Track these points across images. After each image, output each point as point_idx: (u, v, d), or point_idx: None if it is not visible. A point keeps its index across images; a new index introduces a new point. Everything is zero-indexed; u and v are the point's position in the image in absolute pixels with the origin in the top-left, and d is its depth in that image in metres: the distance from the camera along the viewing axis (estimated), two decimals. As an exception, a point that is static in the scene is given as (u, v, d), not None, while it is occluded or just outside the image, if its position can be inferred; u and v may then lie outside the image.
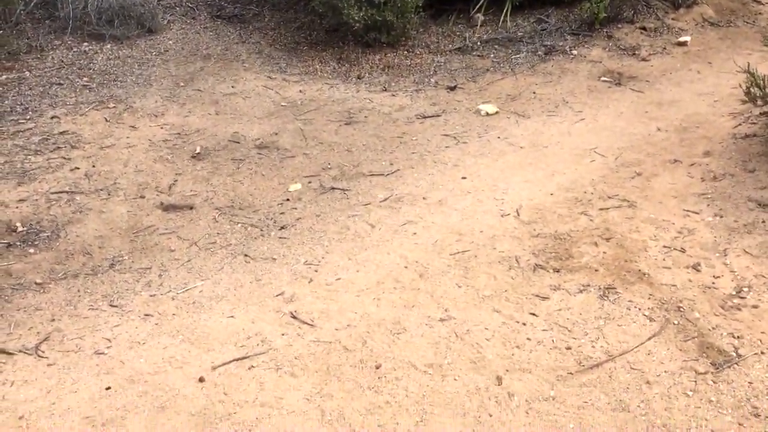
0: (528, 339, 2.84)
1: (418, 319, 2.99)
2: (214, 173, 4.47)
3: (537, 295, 3.13)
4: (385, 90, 5.78)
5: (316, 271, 3.41)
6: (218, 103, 5.52)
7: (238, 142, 4.88)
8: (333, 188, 4.26)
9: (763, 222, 3.56)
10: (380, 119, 5.24)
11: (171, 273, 3.45)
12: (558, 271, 3.30)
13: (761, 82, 4.24)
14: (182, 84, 5.84)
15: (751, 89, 4.30)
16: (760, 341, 2.75)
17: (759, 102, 4.34)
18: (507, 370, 2.67)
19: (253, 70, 6.20)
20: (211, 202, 4.12)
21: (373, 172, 4.45)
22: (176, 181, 4.38)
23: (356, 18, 5.99)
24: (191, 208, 4.06)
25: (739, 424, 2.34)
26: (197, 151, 4.72)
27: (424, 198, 4.09)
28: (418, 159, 4.61)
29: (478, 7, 6.75)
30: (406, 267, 3.41)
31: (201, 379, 2.65)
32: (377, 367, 2.70)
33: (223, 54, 6.48)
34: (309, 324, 2.99)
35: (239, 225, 3.88)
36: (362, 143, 4.86)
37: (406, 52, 6.37)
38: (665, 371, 2.61)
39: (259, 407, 2.52)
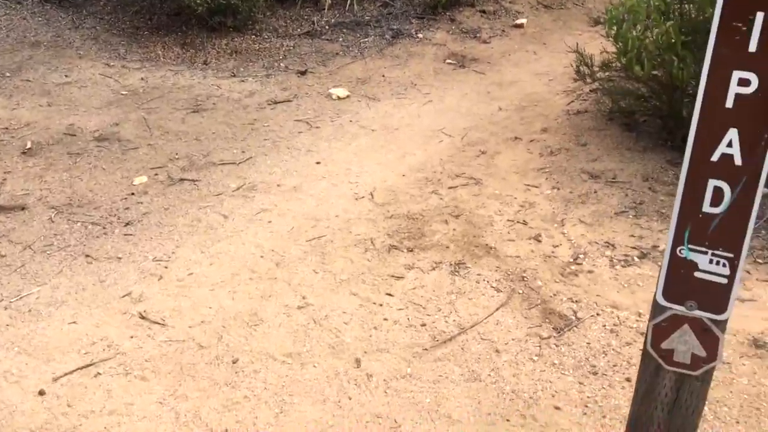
0: (385, 319, 2.89)
1: (276, 308, 2.96)
2: (48, 169, 4.16)
3: (392, 276, 3.18)
4: (234, 75, 5.63)
5: (166, 267, 3.27)
6: (50, 94, 5.13)
7: (75, 135, 4.56)
8: (182, 179, 4.10)
9: (595, 192, 3.83)
10: (230, 106, 5.10)
11: (2, 280, 3.17)
12: (412, 251, 3.38)
13: (589, 60, 4.55)
14: (8, 74, 5.37)
15: (581, 68, 4.60)
16: (596, 303, 2.96)
17: (588, 80, 4.65)
18: (365, 352, 2.70)
19: (89, 57, 5.81)
20: (45, 201, 3.83)
21: (225, 160, 4.32)
22: (5, 180, 4.03)
23: (198, 1, 5.77)
24: (23, 208, 3.75)
25: (580, 383, 2.52)
26: (28, 147, 4.37)
27: (278, 185, 4.03)
28: (271, 146, 4.53)
29: (325, -10, 6.71)
30: (262, 256, 3.35)
31: (41, 392, 2.47)
32: (234, 362, 2.64)
33: (54, 41, 6.02)
34: (160, 324, 2.86)
35: (79, 224, 3.63)
36: (212, 131, 4.71)
37: (253, 36, 6.23)
38: (512, 339, 2.75)
39: (107, 416, 2.38)
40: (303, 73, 5.64)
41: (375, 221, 3.64)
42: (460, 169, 4.18)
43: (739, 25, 1.04)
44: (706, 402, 2.35)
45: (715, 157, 1.13)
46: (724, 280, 1.19)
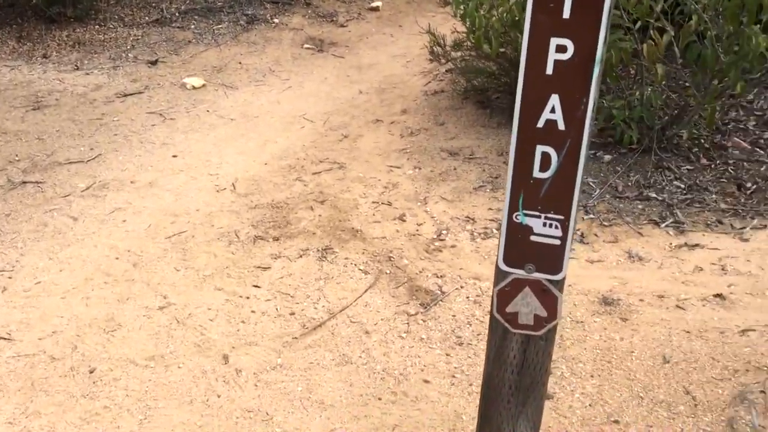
0: (252, 312, 2.82)
1: (135, 311, 2.81)
2: None
3: (259, 267, 3.11)
4: (78, 69, 5.28)
5: (10, 278, 3.02)
6: None
7: None
8: (24, 182, 3.80)
9: (455, 169, 3.93)
10: (74, 101, 4.78)
11: None
12: (278, 240, 3.32)
13: (441, 41, 4.65)
14: None
15: (434, 48, 4.69)
16: (459, 276, 3.04)
17: (442, 60, 4.75)
18: (233, 347, 2.63)
19: None
20: None
21: (71, 159, 4.05)
22: None
23: (32, -10, 5.35)
24: None
25: (447, 355, 2.58)
26: None
27: (132, 182, 3.83)
28: (123, 141, 4.30)
29: (172, -24, 6.43)
30: (117, 258, 3.17)
31: None
32: (91, 372, 2.48)
33: None
34: (5, 339, 2.64)
35: None
36: (55, 129, 4.39)
37: (98, 26, 5.87)
38: (381, 319, 2.77)
39: (-53, 446, 2.17)
40: (154, 63, 5.39)
41: (238, 212, 3.54)
42: (324, 154, 4.15)
43: (552, -7, 1.07)
44: (564, 360, 2.48)
45: (540, 124, 1.16)
46: (558, 242, 1.24)
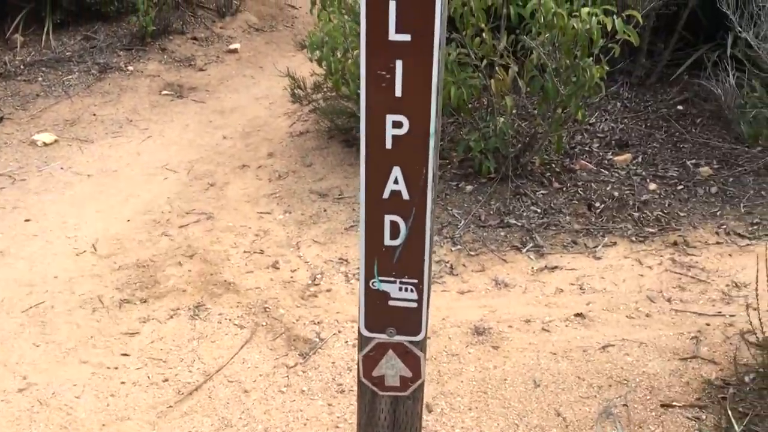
0: (122, 383, 2.69)
1: (-10, 398, 2.60)
2: None
3: (126, 333, 2.98)
4: None
5: None
6: None
7: None
8: None
9: (325, 211, 3.95)
10: None
11: None
12: (145, 301, 3.19)
13: (301, 83, 4.69)
14: None
15: (296, 91, 4.73)
16: (337, 321, 3.05)
17: (304, 102, 4.79)
18: (103, 425, 2.49)
19: None
20: None
21: None
22: None
23: None
24: None
25: (329, 405, 2.57)
26: None
27: (-20, 253, 3.57)
28: (-33, 208, 3.99)
29: (14, 26, 6.09)
30: (-33, 340, 2.93)
31: None
32: (-58, 474, 2.27)
33: None
34: None
35: None
36: None
37: (-70, 83, 5.45)
38: (260, 375, 2.73)
39: None
40: (-1, 120, 5.06)
41: (101, 276, 3.38)
42: (190, 205, 4.05)
43: (383, 73, 1.12)
44: (443, 396, 2.55)
45: (386, 195, 1.21)
46: (414, 304, 1.28)
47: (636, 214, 3.76)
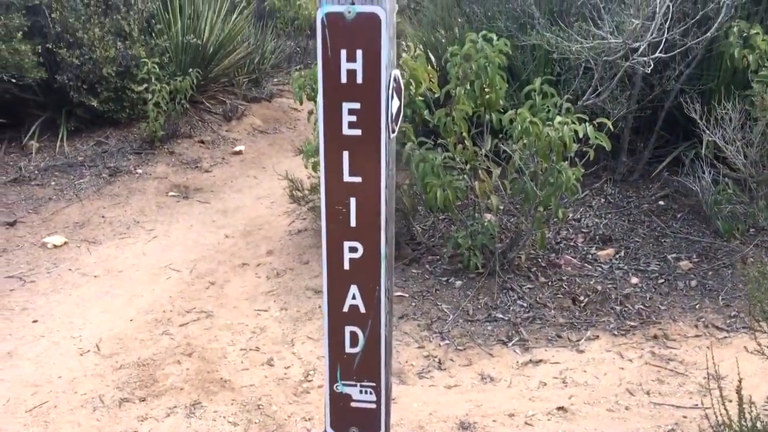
0: (119, 481, 2.79)
1: (-8, 498, 2.70)
2: None
3: (125, 432, 3.10)
4: (-72, 236, 5.12)
5: None
6: None
7: None
8: None
9: (320, 307, 4.12)
10: (-76, 271, 4.62)
11: None
12: (144, 400, 3.32)
13: (299, 185, 4.96)
14: None
15: (294, 192, 4.99)
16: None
17: (302, 202, 5.05)
18: None
19: None
20: None
21: None
22: None
23: None
24: None
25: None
26: None
27: (-12, 354, 3.72)
28: (-22, 310, 4.18)
29: (30, 133, 6.47)
30: (-28, 440, 3.05)
31: None
32: None
33: None
34: None
35: None
36: None
37: (-50, 189, 5.76)
38: (252, 472, 2.83)
39: None
40: (12, 224, 5.32)
41: (103, 375, 3.52)
42: (191, 304, 4.23)
43: (340, 207, 1.33)
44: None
45: (345, 308, 1.39)
46: (374, 406, 1.44)
47: (618, 308, 3.91)
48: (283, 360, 3.63)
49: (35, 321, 4.06)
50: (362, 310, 1.37)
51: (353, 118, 1.31)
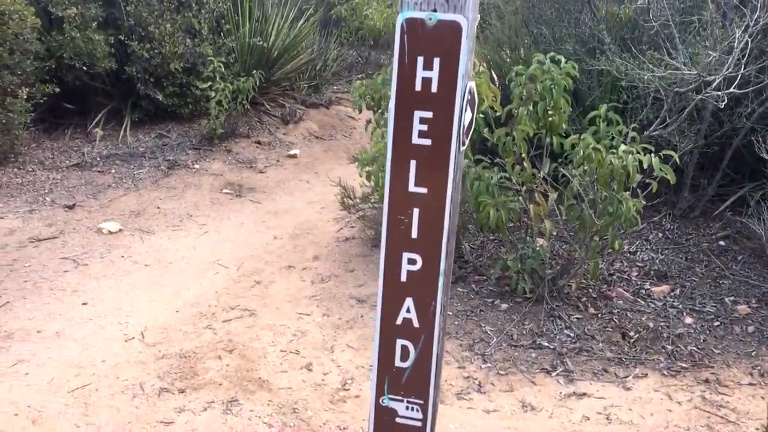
0: (152, 471, 2.81)
1: (28, 473, 2.75)
2: None
3: (162, 422, 3.12)
4: (-8, 212, 5.29)
5: None
6: None
7: None
8: None
9: (362, 317, 4.10)
10: (-15, 246, 4.77)
11: None
12: (183, 392, 3.34)
13: (351, 193, 4.95)
14: None
15: (345, 200, 4.99)
16: (362, 429, 3.13)
17: (353, 210, 5.04)
18: None
19: None
20: None
21: (-24, 308, 4.01)
22: None
23: (-49, 135, 5.43)
24: None
25: None
26: None
27: (38, 331, 3.81)
28: (32, 287, 4.29)
29: (96, 121, 6.65)
30: (16, 414, 3.11)
31: None
32: None
33: None
34: None
35: None
36: (-38, 276, 4.35)
37: (16, 169, 5.95)
38: (282, 476, 2.81)
39: None
40: (71, 207, 5.46)
41: (145, 363, 3.56)
42: (235, 301, 4.26)
43: (403, 217, 1.30)
44: None
45: (399, 321, 1.36)
46: (419, 423, 1.40)
47: (669, 347, 3.77)
48: (321, 366, 3.61)
49: (85, 303, 4.13)
50: (416, 324, 1.34)
51: (424, 127, 1.28)
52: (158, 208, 5.64)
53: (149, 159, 6.39)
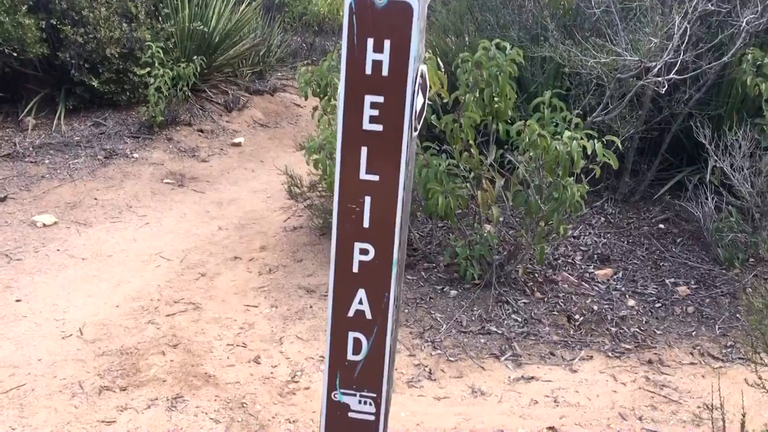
0: (93, 473, 2.70)
1: (-40, 481, 2.61)
2: None
3: (103, 421, 3.01)
4: None
5: None
6: None
7: None
8: None
9: (311, 307, 4.04)
10: None
11: None
12: (125, 389, 3.23)
13: (298, 182, 4.87)
14: None
15: (292, 188, 4.91)
16: (312, 420, 3.08)
17: (300, 199, 4.97)
18: None
19: None
20: None
21: None
22: None
23: None
24: None
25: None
26: None
27: (-32, 331, 3.62)
28: (-39, 284, 4.08)
29: (27, 109, 6.36)
30: (-56, 419, 2.95)
31: None
32: None
33: None
34: None
35: None
36: None
37: (-59, 160, 5.64)
38: (231, 472, 2.74)
39: None
40: (2, 199, 5.22)
41: (84, 361, 3.43)
42: (179, 294, 4.14)
43: (354, 206, 1.25)
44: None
45: (351, 313, 1.31)
46: (372, 417, 1.37)
47: (614, 329, 3.85)
48: (270, 359, 3.54)
49: (18, 300, 3.96)
50: (368, 316, 1.30)
51: (375, 113, 1.24)
52: (96, 199, 5.43)
53: (85, 148, 6.15)
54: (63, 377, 3.29)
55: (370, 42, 1.23)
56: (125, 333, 3.69)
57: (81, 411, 3.06)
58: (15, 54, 5.98)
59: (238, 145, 6.81)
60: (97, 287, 4.16)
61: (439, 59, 4.07)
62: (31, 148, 6.02)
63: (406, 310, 4.00)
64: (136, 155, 6.20)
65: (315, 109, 4.54)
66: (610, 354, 3.65)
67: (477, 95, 3.86)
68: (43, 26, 6.09)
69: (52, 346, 3.53)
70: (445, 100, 4.03)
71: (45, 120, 6.42)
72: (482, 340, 3.75)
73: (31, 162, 5.85)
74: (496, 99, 3.90)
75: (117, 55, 6.32)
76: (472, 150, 3.91)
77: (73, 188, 5.54)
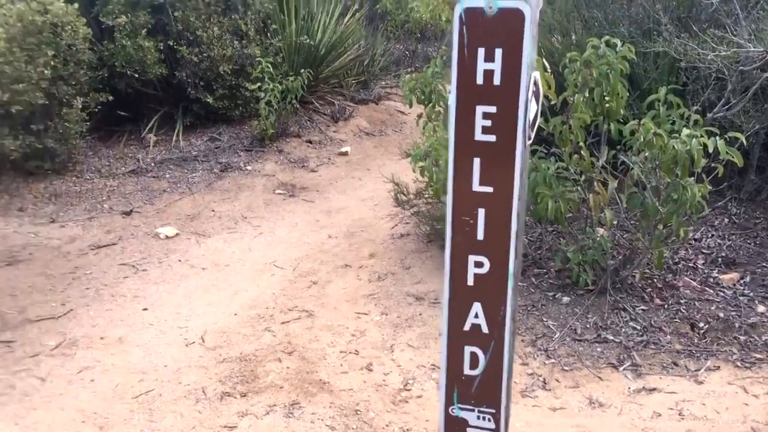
0: (217, 476, 2.81)
1: (98, 479, 2.78)
2: None
3: (225, 426, 3.12)
4: (53, 221, 5.42)
5: (-28, 447, 2.99)
6: None
7: None
8: (-7, 342, 3.82)
9: (420, 314, 4.04)
10: (49, 254, 4.88)
11: None
12: (245, 396, 3.35)
13: (405, 189, 4.90)
14: None
15: (399, 196, 4.94)
16: (425, 429, 3.08)
17: (407, 206, 4.99)
18: None
19: None
20: None
21: (42, 316, 4.10)
22: None
23: (12, 147, 5.58)
24: None
25: None
26: None
27: (101, 338, 3.87)
28: (94, 294, 4.37)
29: (149, 127, 6.76)
30: (83, 422, 3.16)
31: None
32: None
33: None
34: None
35: None
36: (28, 284, 4.46)
37: (75, 177, 6.08)
38: (347, 479, 2.78)
39: None
40: (128, 213, 5.56)
41: (206, 367, 3.58)
42: (293, 302, 4.25)
43: (468, 218, 1.23)
44: None
45: (467, 327, 1.29)
46: (491, 433, 1.34)
47: (742, 338, 3.61)
48: (382, 366, 3.57)
49: (145, 309, 4.19)
50: (485, 329, 1.28)
51: (488, 123, 1.22)
52: (213, 211, 5.69)
53: (202, 162, 6.46)
54: (187, 383, 3.45)
55: (481, 51, 1.21)
56: (243, 340, 3.83)
57: (205, 416, 3.19)
58: (137, 75, 6.37)
59: (345, 154, 6.93)
60: (217, 296, 4.34)
61: (545, 60, 3.97)
62: (152, 164, 6.38)
63: (518, 318, 3.91)
64: (249, 167, 6.44)
65: (420, 116, 4.55)
66: (739, 364, 3.42)
67: (587, 95, 3.74)
68: (161, 48, 6.46)
69: (176, 353, 3.72)
70: (552, 102, 3.92)
71: (164, 137, 6.80)
72: (598, 349, 3.62)
73: (153, 177, 6.21)
74: (606, 98, 3.75)
75: (229, 72, 6.60)
76: (582, 152, 3.79)
77: (192, 201, 5.83)
